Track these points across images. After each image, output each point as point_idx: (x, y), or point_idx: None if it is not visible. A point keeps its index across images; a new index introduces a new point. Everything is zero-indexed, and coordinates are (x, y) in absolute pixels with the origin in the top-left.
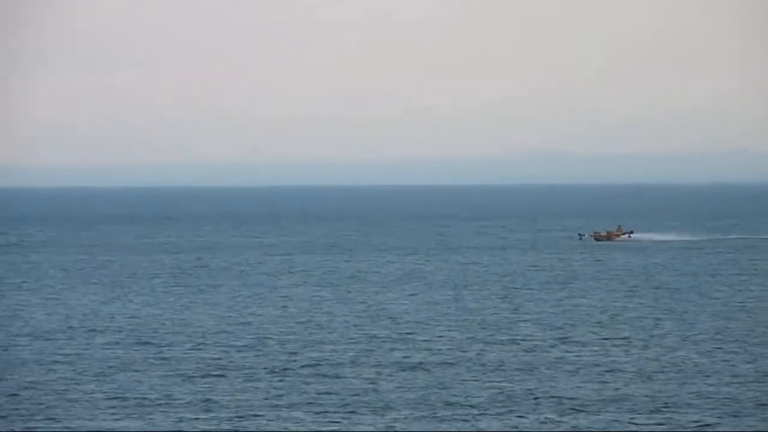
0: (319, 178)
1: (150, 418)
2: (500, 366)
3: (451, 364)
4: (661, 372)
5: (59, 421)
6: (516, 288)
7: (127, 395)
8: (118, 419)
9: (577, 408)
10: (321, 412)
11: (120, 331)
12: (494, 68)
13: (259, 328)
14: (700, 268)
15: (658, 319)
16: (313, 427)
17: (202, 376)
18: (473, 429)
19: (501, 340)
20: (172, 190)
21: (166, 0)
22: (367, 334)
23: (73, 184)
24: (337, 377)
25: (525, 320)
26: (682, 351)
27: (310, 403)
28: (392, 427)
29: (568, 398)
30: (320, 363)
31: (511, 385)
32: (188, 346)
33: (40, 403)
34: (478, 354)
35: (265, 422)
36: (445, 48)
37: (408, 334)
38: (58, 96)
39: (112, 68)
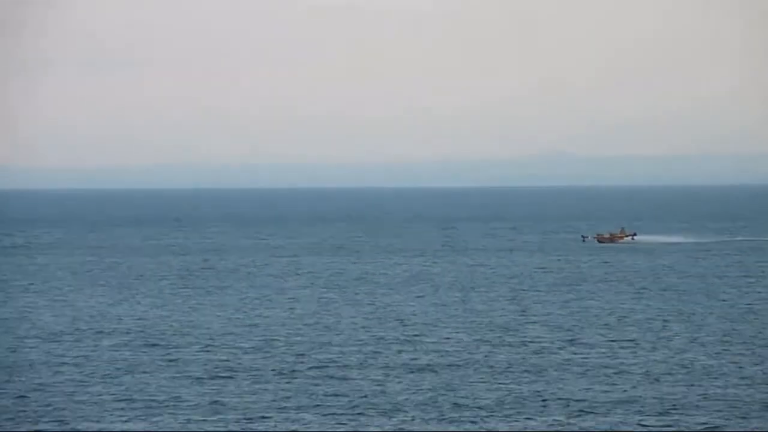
0: (319, 178)
1: (158, 420)
2: (508, 368)
3: (459, 365)
4: (669, 374)
5: (67, 423)
6: (523, 290)
7: (135, 397)
8: (125, 421)
9: (585, 410)
10: (329, 414)
11: (128, 333)
12: (494, 68)
13: (266, 329)
14: (708, 270)
15: (665, 320)
16: (321, 429)
17: (210, 378)
18: (481, 431)
19: (509, 342)
20: (173, 192)
21: (166, 0)
22: (374, 335)
23: (74, 185)
24: (345, 379)
25: (533, 322)
26: (690, 353)
27: (317, 405)
28: (400, 428)
29: (576, 400)
30: (328, 365)
31: (519, 387)
32: (196, 347)
33: (48, 405)
34: (486, 356)
35: (273, 424)
36: (445, 48)
37: (416, 335)
38: (58, 97)
39: (113, 68)
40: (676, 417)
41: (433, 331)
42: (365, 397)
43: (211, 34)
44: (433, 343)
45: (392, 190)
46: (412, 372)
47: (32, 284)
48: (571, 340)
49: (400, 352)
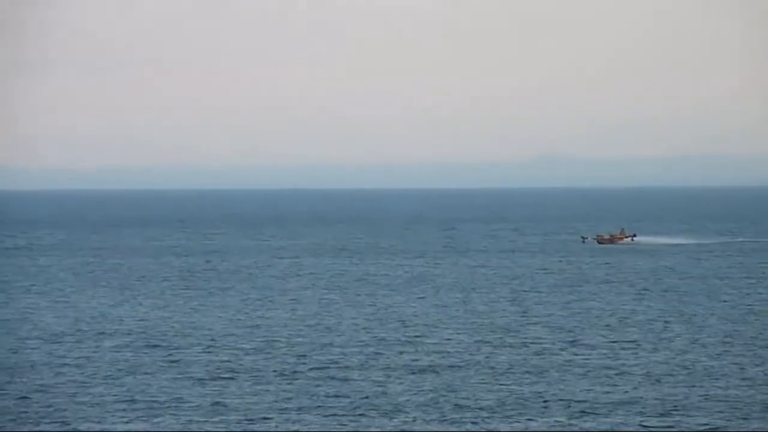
0: (319, 179)
1: (159, 421)
2: (509, 369)
3: (461, 366)
4: (671, 375)
5: (69, 424)
6: (525, 291)
7: (137, 398)
8: (127, 422)
9: (586, 411)
10: (330, 415)
11: (129, 334)
12: (494, 68)
13: (268, 331)
14: (709, 271)
15: (667, 322)
16: (323, 430)
17: (212, 379)
18: (483, 431)
19: (510, 343)
20: (173, 193)
21: (166, 0)
22: (376, 337)
23: (73, 186)
24: (346, 380)
25: (534, 323)
26: (692, 354)
27: (319, 406)
28: (402, 430)
29: (577, 401)
30: (329, 366)
31: (521, 388)
32: (197, 349)
33: (50, 406)
34: (487, 357)
35: (274, 425)
36: (444, 48)
37: (417, 337)
38: (58, 97)
39: (113, 68)
40: (678, 418)
41: (434, 332)
42: (367, 398)
43: (210, 34)
44: (434, 344)
45: (391, 192)
46: (414, 373)
47: (34, 285)
48: (573, 341)
49: (401, 353)
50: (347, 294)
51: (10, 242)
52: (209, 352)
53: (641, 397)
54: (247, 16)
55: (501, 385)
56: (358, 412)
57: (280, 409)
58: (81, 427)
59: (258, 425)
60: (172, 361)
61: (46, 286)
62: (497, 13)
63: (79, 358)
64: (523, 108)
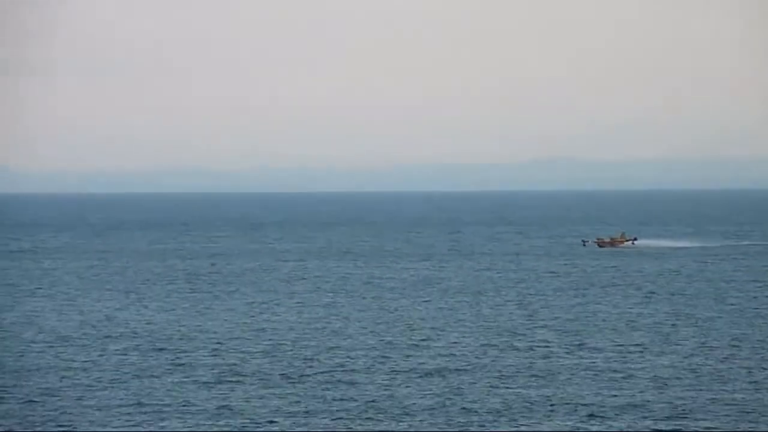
0: (319, 179)
1: (165, 425)
2: (516, 372)
3: (467, 370)
4: (678, 378)
5: (75, 427)
6: (531, 294)
7: (143, 401)
8: (133, 425)
9: (593, 414)
10: (337, 419)
11: (135, 337)
12: (494, 68)
13: (274, 334)
14: (715, 275)
15: (673, 325)
16: None
17: (218, 382)
18: None
19: (516, 346)
20: (175, 196)
21: (165, 1)
22: (382, 340)
23: (74, 188)
24: (353, 383)
25: (540, 326)
26: (699, 357)
27: (325, 410)
28: None
29: (584, 404)
30: (335, 369)
31: (527, 391)
32: (203, 352)
33: (56, 409)
34: (494, 360)
35: (280, 429)
36: (444, 48)
37: (423, 340)
38: (59, 99)
39: (113, 70)
40: (685, 421)
41: (441, 335)
42: (373, 401)
43: (211, 35)
44: (441, 347)
45: (391, 194)
46: (420, 376)
47: (39, 288)
48: (579, 345)
49: (407, 356)
50: (353, 297)
51: (15, 245)
52: (215, 356)
53: (648, 401)
54: (248, 16)
55: (508, 388)
56: (365, 415)
57: (287, 413)
58: (87, 431)
59: (264, 429)
60: (178, 365)
61: (51, 289)
62: (497, 13)
63: (84, 361)
64: (523, 108)
